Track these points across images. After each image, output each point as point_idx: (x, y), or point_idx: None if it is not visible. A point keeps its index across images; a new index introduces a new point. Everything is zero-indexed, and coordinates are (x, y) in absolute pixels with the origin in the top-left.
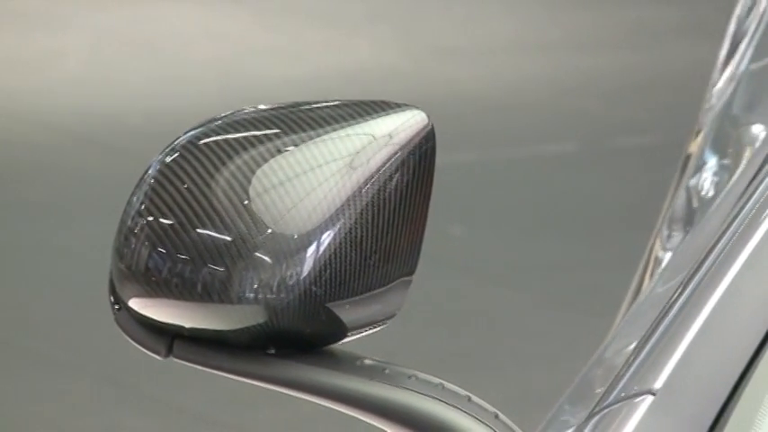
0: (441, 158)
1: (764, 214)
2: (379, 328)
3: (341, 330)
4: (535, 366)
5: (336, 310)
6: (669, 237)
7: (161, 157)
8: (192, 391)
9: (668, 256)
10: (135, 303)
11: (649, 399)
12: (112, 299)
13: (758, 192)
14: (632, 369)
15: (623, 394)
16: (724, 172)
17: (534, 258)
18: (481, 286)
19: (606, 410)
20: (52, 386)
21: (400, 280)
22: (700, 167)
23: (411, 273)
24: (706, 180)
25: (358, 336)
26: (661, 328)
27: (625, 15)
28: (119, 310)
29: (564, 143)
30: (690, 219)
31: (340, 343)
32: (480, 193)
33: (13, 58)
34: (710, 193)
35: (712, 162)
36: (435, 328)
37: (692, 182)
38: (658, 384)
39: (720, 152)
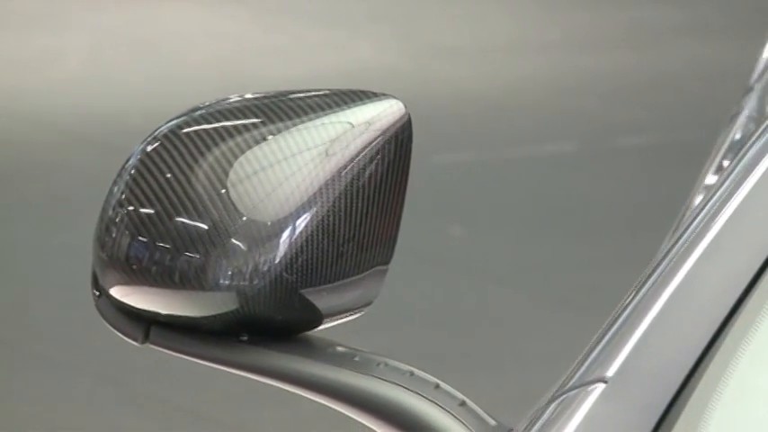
0: (441, 158)
1: (726, 206)
2: (355, 316)
3: (316, 317)
4: (535, 366)
5: (310, 297)
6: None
7: (142, 146)
8: (192, 391)
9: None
10: (115, 291)
11: (601, 386)
12: (94, 286)
13: (726, 183)
14: (591, 357)
15: (579, 381)
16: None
17: (534, 258)
18: (481, 286)
19: (562, 397)
20: (52, 386)
21: (375, 269)
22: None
23: (387, 262)
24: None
25: (334, 323)
26: (622, 317)
27: (624, 15)
28: (99, 296)
29: (563, 143)
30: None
31: (317, 330)
32: (480, 193)
33: (13, 58)
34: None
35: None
36: (435, 327)
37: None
38: (611, 372)
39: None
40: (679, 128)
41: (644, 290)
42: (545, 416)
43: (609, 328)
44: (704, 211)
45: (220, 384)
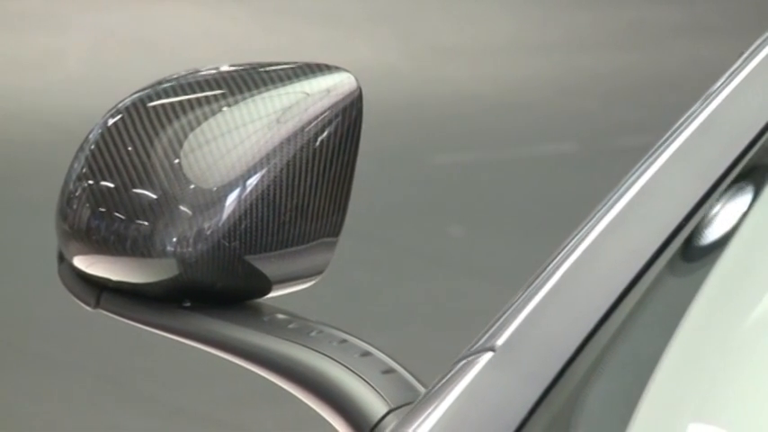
0: (441, 158)
1: (634, 185)
2: (305, 285)
3: (265, 285)
4: None
5: (256, 264)
6: None
7: (102, 119)
8: (192, 391)
9: None
10: (76, 260)
11: (489, 355)
12: (58, 255)
13: (642, 164)
14: (490, 329)
15: (472, 350)
16: None
17: (534, 258)
18: (481, 286)
19: (457, 365)
20: (52, 386)
21: (323, 240)
22: None
23: (335, 234)
24: None
25: (285, 291)
26: (525, 291)
27: (624, 15)
28: (60, 263)
29: (563, 143)
30: None
31: (267, 297)
32: (480, 193)
33: (13, 58)
34: None
35: None
36: (435, 327)
37: None
38: (500, 342)
39: None
40: None
41: (549, 265)
42: (439, 384)
43: (513, 302)
44: (619, 190)
45: (223, 385)
